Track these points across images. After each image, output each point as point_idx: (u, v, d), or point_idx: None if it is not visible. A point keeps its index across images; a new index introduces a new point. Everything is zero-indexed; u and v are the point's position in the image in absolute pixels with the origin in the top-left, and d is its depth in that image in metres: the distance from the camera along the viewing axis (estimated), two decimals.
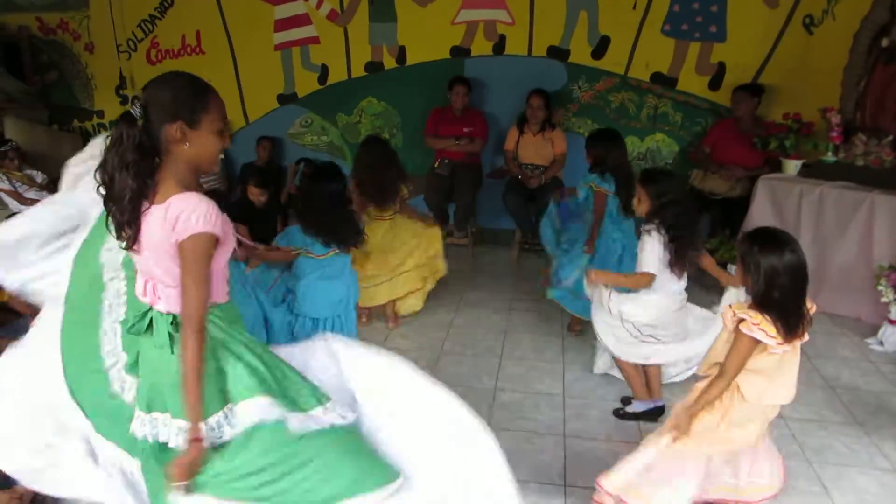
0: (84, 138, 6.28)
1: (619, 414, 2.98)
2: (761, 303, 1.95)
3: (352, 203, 3.12)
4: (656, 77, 5.01)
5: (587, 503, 2.43)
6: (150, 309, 1.66)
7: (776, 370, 2.04)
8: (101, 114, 6.30)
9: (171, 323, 1.63)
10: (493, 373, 3.42)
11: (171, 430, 1.64)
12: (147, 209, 1.55)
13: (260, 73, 5.74)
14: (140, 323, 1.66)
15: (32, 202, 4.77)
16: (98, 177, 1.57)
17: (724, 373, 2.00)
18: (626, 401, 3.03)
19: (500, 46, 5.22)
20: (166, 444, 1.66)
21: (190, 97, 1.57)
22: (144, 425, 1.67)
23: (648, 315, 2.73)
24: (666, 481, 2.11)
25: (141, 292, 1.68)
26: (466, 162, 5.12)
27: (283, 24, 5.54)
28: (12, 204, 4.80)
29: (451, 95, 5.06)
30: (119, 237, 1.59)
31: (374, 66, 5.50)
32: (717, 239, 4.41)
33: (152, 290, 1.65)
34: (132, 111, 1.55)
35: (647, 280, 2.66)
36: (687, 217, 2.59)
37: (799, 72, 4.64)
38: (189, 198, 1.54)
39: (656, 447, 2.11)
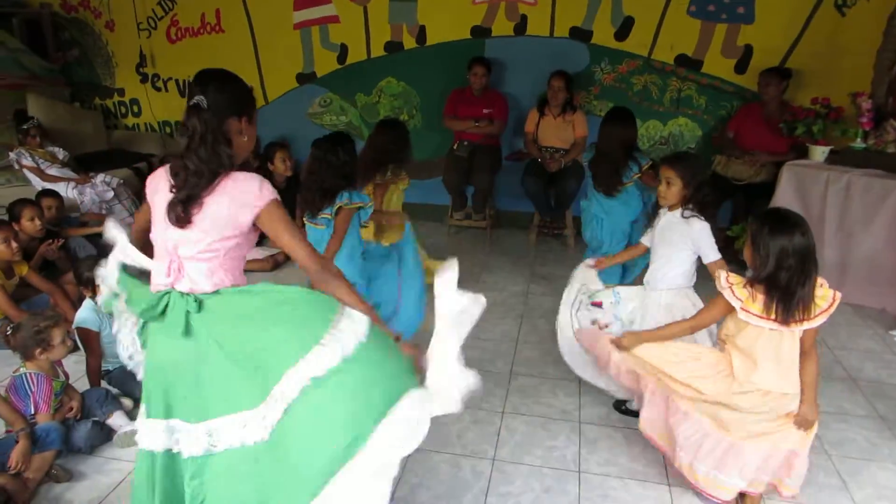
0: (105, 115, 6.33)
1: (620, 409, 2.94)
2: (767, 283, 1.98)
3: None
4: (681, 59, 4.91)
5: (601, 490, 2.43)
6: (168, 292, 1.68)
7: (764, 352, 2.05)
8: (121, 91, 6.32)
9: (193, 302, 1.65)
10: (509, 357, 3.41)
11: (192, 438, 1.67)
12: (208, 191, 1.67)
13: (279, 51, 5.71)
14: (155, 308, 1.67)
15: (54, 179, 4.82)
16: (182, 167, 1.65)
17: (692, 317, 2.21)
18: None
19: (521, 27, 5.14)
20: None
21: (248, 96, 1.80)
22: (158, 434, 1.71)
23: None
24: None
25: (164, 273, 1.70)
26: (485, 143, 5.07)
27: (302, 3, 5.49)
28: (35, 180, 4.84)
29: (470, 76, 5.00)
30: (175, 220, 1.66)
31: (393, 46, 5.45)
32: (740, 226, 4.33)
33: (177, 269, 1.69)
34: (198, 102, 1.66)
35: (720, 265, 2.55)
36: (716, 201, 2.61)
37: (829, 55, 4.52)
38: (247, 174, 1.71)
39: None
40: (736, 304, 2.01)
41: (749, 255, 2.07)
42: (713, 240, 2.59)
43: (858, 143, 4.09)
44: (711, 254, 2.59)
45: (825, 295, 2.02)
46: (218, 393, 1.65)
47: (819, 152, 4.17)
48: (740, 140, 4.61)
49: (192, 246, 1.67)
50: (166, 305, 1.67)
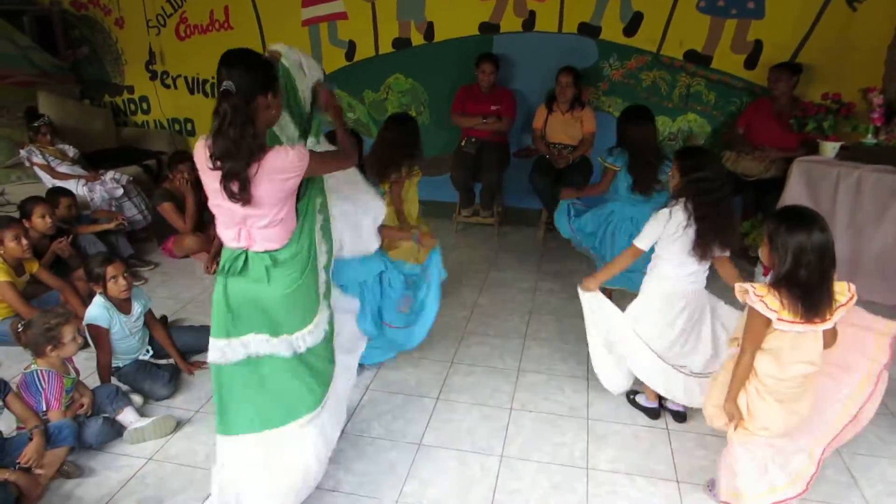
0: (114, 113, 6.36)
1: (629, 399, 2.96)
2: (787, 281, 1.94)
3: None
4: (690, 55, 4.88)
5: (610, 486, 2.43)
6: (244, 252, 2.02)
7: (789, 352, 2.03)
8: (131, 89, 6.35)
9: (270, 258, 2.01)
10: (517, 354, 3.41)
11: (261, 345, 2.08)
12: (253, 169, 1.89)
13: None
14: (235, 265, 2.02)
15: (65, 176, 4.85)
16: (215, 148, 1.87)
17: (742, 348, 2.06)
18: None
19: (529, 23, 5.12)
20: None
21: (271, 71, 1.98)
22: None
23: (654, 306, 2.66)
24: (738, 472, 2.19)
25: (233, 238, 2.02)
26: (493, 140, 5.06)
27: (310, 0, 5.50)
28: (45, 178, 4.87)
29: (478, 73, 4.99)
30: (235, 198, 1.90)
31: (401, 43, 5.45)
32: (749, 222, 4.31)
33: (247, 235, 2.00)
34: (228, 87, 1.83)
35: (631, 254, 2.63)
36: (716, 200, 2.46)
37: (840, 50, 4.48)
38: (279, 151, 1.91)
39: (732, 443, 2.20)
40: (772, 315, 1.96)
41: (766, 255, 2.03)
42: (654, 228, 2.55)
43: (869, 139, 4.06)
44: (641, 236, 2.59)
45: (841, 290, 2.01)
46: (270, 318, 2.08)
47: (830, 148, 4.14)
48: (750, 136, 4.58)
49: (259, 220, 1.97)
50: (245, 262, 2.02)
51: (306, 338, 2.13)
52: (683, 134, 5.08)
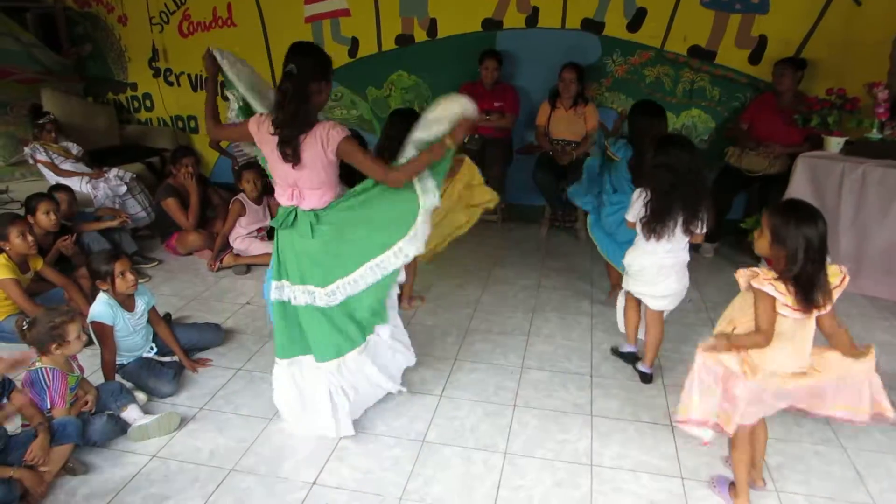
0: (118, 110, 6.37)
1: (616, 353, 3.30)
2: (795, 277, 1.94)
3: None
4: (694, 50, 4.86)
5: (614, 483, 2.43)
6: (295, 209, 2.46)
7: (782, 337, 2.02)
8: (134, 86, 6.35)
9: (314, 216, 2.44)
10: (521, 351, 3.40)
11: (299, 294, 2.53)
12: (302, 137, 2.31)
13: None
14: (287, 219, 2.47)
15: (69, 174, 4.86)
16: (276, 117, 2.31)
17: (758, 329, 2.04)
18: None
19: (533, 19, 5.10)
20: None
21: (327, 63, 2.39)
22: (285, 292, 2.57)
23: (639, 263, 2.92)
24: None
25: (287, 199, 2.46)
26: (496, 137, 5.05)
27: None
28: (49, 175, 4.89)
29: (481, 69, 4.98)
30: (287, 159, 2.33)
31: (404, 39, 5.44)
32: (754, 218, 4.29)
33: (298, 195, 2.44)
34: (290, 70, 2.26)
35: (631, 226, 2.93)
36: (668, 188, 2.67)
37: (844, 44, 4.46)
38: (324, 123, 2.34)
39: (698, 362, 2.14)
40: (781, 298, 1.95)
41: (766, 247, 2.03)
42: (633, 204, 2.83)
43: (874, 134, 4.04)
44: (629, 211, 2.89)
45: (833, 272, 2.00)
46: (312, 270, 2.51)
47: (834, 143, 4.13)
48: (755, 131, 4.55)
49: (306, 181, 2.39)
50: (294, 217, 2.45)
51: (346, 287, 2.52)
52: (687, 130, 5.06)
